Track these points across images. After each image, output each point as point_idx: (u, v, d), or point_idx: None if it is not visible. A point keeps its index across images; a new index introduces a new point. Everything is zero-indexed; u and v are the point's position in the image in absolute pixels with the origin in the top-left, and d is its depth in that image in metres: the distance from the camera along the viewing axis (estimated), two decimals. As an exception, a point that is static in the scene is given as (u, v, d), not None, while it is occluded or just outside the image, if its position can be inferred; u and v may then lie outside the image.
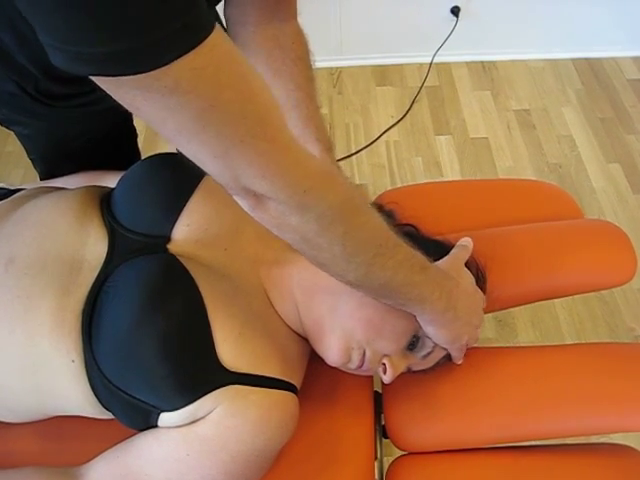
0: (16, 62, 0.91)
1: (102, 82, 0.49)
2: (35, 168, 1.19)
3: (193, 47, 0.47)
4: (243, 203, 0.63)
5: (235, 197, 0.62)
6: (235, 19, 0.94)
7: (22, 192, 0.97)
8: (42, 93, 0.96)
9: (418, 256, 0.77)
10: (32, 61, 0.91)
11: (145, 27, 0.45)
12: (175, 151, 0.73)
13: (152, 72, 0.47)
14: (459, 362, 0.92)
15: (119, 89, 0.50)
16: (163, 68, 0.47)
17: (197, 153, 0.56)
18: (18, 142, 1.14)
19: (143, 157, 1.02)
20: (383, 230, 0.72)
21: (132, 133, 1.26)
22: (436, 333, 0.84)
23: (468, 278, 0.90)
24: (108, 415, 0.84)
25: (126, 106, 0.51)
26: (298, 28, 0.97)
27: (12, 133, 1.11)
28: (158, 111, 0.51)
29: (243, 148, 0.55)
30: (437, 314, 0.82)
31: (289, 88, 0.94)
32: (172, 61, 0.47)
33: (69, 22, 0.44)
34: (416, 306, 0.80)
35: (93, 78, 0.49)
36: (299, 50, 0.95)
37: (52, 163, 1.15)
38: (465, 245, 0.94)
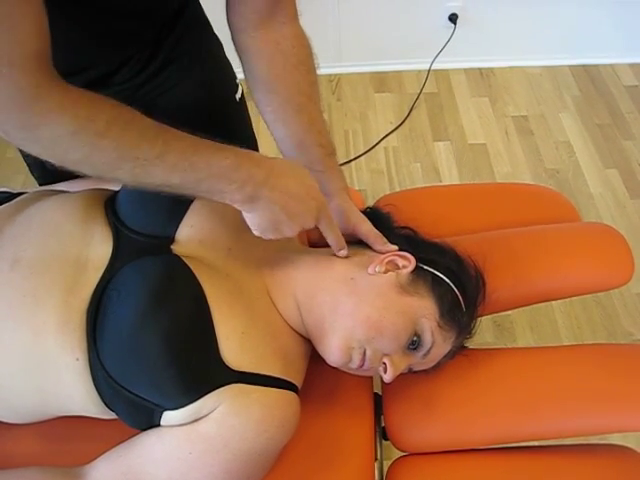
0: None
1: None
2: (32, 174, 1.19)
3: None
4: None
5: None
6: (236, 26, 0.95)
7: (25, 195, 0.98)
8: None
9: (202, 154, 0.75)
10: None
11: None
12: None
13: None
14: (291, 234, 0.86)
15: None
16: None
17: None
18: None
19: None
20: (138, 145, 0.71)
21: None
22: (250, 219, 0.82)
23: (301, 176, 0.84)
24: (111, 415, 0.85)
25: None
26: (299, 31, 0.97)
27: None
28: None
29: None
30: (238, 204, 0.79)
31: (291, 93, 0.95)
32: None
33: None
34: (213, 197, 0.79)
35: None
36: (300, 54, 0.96)
37: (48, 168, 1.16)
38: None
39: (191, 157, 0.74)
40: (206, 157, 0.75)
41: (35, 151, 0.69)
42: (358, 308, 0.85)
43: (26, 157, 1.15)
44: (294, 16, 0.96)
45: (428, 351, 0.88)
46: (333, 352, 0.86)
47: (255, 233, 0.84)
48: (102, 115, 0.69)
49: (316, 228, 0.88)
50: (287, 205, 0.81)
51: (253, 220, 0.82)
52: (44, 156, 0.70)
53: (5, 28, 0.60)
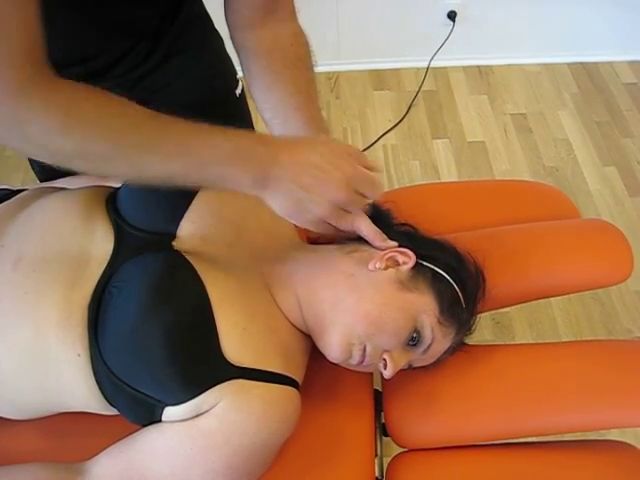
0: None
1: None
2: (33, 170, 1.19)
3: None
4: None
5: None
6: (235, 24, 0.95)
7: (26, 192, 0.98)
8: None
9: (205, 136, 0.74)
10: None
11: None
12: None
13: None
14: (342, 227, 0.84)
15: None
16: None
17: None
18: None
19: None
20: (134, 132, 0.70)
21: None
22: (272, 203, 0.78)
23: (323, 148, 0.80)
24: (112, 411, 0.85)
25: None
26: (297, 28, 0.97)
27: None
28: None
29: None
30: (247, 188, 0.76)
31: (289, 91, 0.95)
32: None
33: None
34: (218, 183, 0.77)
35: None
36: (299, 51, 0.96)
37: (49, 164, 1.16)
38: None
39: (190, 140, 0.73)
40: (206, 140, 0.74)
41: (27, 150, 0.69)
42: (358, 304, 0.86)
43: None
44: (292, 13, 0.96)
45: (428, 347, 0.88)
46: (333, 348, 0.86)
47: (286, 219, 0.80)
48: (92, 104, 0.69)
49: None
50: (303, 180, 0.77)
51: (274, 205, 0.78)
52: (37, 155, 0.70)
53: None
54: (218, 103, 1.19)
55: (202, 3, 1.13)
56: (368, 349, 0.85)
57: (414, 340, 0.87)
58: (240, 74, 1.20)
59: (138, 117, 0.71)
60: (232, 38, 0.96)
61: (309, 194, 0.77)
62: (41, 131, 0.66)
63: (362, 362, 0.86)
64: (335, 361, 0.87)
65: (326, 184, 0.78)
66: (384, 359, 0.86)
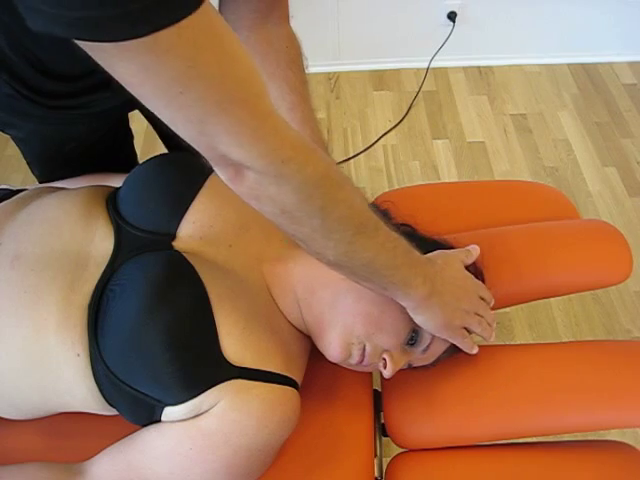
0: (5, 58, 0.91)
1: (80, 42, 0.48)
2: (32, 172, 1.20)
3: (177, 20, 0.47)
4: (221, 173, 0.62)
5: (214, 167, 0.62)
6: (231, 25, 0.95)
7: (25, 192, 0.98)
8: (35, 91, 0.96)
9: (401, 240, 0.77)
10: (20, 56, 0.90)
11: None
12: (179, 150, 0.75)
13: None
14: (472, 352, 0.91)
15: (96, 48, 0.49)
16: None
17: (174, 119, 0.55)
18: (17, 146, 1.15)
19: (140, 159, 1.03)
20: (364, 210, 0.71)
21: (128, 135, 1.27)
22: (424, 320, 0.83)
23: (456, 265, 0.90)
24: (112, 411, 0.85)
25: (103, 65, 0.51)
26: (291, 31, 0.98)
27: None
28: (135, 72, 0.50)
29: (220, 114, 0.54)
30: (421, 299, 0.80)
31: (284, 91, 0.95)
32: (154, 32, 0.46)
33: None
34: (399, 290, 0.79)
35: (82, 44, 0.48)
36: (292, 53, 0.97)
37: (48, 166, 1.16)
38: (468, 249, 0.95)
39: (394, 239, 0.75)
40: (403, 243, 0.77)
41: (266, 193, 0.62)
42: (358, 304, 0.86)
43: (26, 155, 1.15)
44: (286, 18, 0.98)
45: (427, 347, 0.89)
46: (333, 348, 0.86)
47: (433, 333, 0.87)
48: (335, 165, 0.68)
49: None
50: (456, 292, 0.86)
51: (431, 318, 0.83)
52: (273, 202, 0.63)
53: (235, 54, 0.56)
54: None
55: None
56: (368, 349, 0.85)
57: (413, 340, 0.87)
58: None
59: (363, 197, 0.73)
60: None
61: (458, 303, 0.86)
62: (299, 178, 0.62)
63: (362, 362, 0.87)
64: (335, 361, 0.88)
65: (469, 293, 0.89)
66: (384, 359, 0.86)
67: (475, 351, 0.91)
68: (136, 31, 0.46)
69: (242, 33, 0.94)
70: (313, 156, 0.64)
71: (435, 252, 0.91)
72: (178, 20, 0.47)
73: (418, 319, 0.83)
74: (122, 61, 0.49)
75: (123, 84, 0.52)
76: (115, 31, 0.46)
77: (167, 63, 0.49)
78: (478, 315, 0.89)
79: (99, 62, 0.50)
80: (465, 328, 0.89)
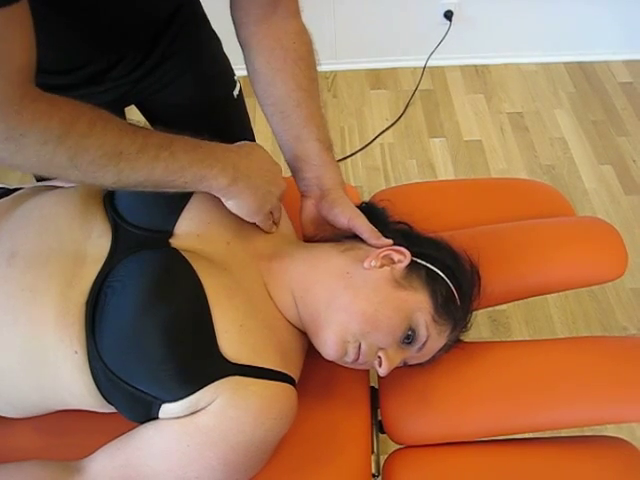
0: None
1: None
2: None
3: None
4: None
5: None
6: (239, 21, 0.96)
7: (22, 190, 0.99)
8: None
9: (182, 140, 0.80)
10: None
11: None
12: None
13: None
14: (271, 230, 0.96)
15: None
16: None
17: None
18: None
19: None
20: (120, 139, 0.74)
21: None
22: (237, 205, 0.87)
23: (262, 151, 0.93)
24: (110, 408, 0.85)
25: None
26: (301, 27, 0.98)
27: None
28: None
29: None
30: (226, 186, 0.84)
31: (290, 88, 0.95)
32: None
33: None
34: (199, 186, 0.82)
35: None
36: (301, 50, 0.97)
37: None
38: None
39: (170, 147, 0.78)
40: (183, 146, 0.80)
41: (17, 161, 0.71)
42: (353, 302, 0.86)
43: None
44: (296, 12, 0.97)
45: (423, 345, 0.89)
46: (328, 346, 0.86)
47: (246, 219, 0.90)
48: (84, 117, 0.72)
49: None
50: (265, 176, 0.89)
51: (242, 203, 0.87)
52: (26, 166, 0.72)
53: None
54: (216, 104, 1.20)
55: (200, 5, 1.13)
56: (363, 347, 0.86)
57: (409, 338, 0.87)
58: (238, 74, 1.21)
59: (124, 126, 0.76)
60: (237, 35, 0.97)
61: (269, 186, 0.90)
62: (39, 142, 0.68)
63: (357, 360, 0.87)
64: (330, 359, 0.88)
65: (277, 177, 0.93)
66: (379, 357, 0.86)
67: (274, 229, 0.97)
68: None
69: (251, 30, 0.94)
70: (50, 122, 0.69)
71: (239, 143, 0.93)
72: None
73: (229, 205, 0.88)
74: None
75: None
76: None
77: None
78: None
79: None
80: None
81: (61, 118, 0.69)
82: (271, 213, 0.94)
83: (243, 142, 0.93)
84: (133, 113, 1.16)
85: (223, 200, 0.87)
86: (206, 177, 0.81)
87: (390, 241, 0.92)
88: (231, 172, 0.83)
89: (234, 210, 0.88)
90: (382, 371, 0.87)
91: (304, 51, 0.97)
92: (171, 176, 0.78)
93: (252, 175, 0.86)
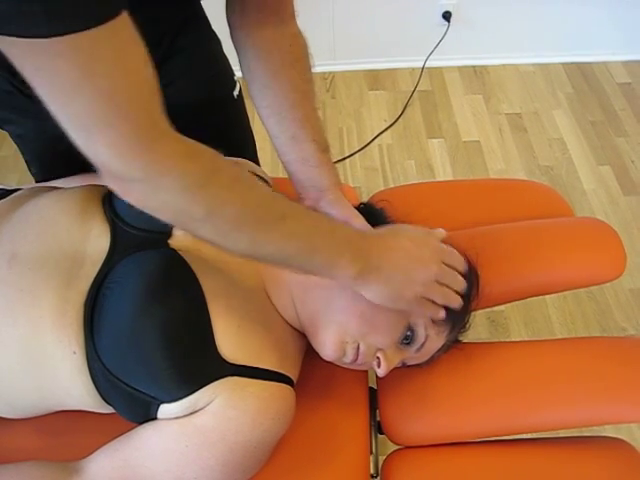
0: (3, 56, 0.92)
1: None
2: (30, 170, 1.20)
3: (72, 32, 0.49)
4: (112, 185, 0.64)
5: (105, 179, 0.64)
6: (235, 24, 0.96)
7: (21, 192, 0.99)
8: (30, 87, 0.97)
9: (321, 221, 0.77)
10: None
11: None
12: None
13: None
14: (439, 315, 0.86)
15: (5, 43, 0.51)
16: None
17: (66, 124, 0.57)
18: (14, 146, 1.14)
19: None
20: (261, 204, 0.71)
21: None
22: (370, 295, 0.81)
23: (409, 233, 0.87)
24: (108, 409, 0.85)
25: (14, 62, 0.52)
26: (297, 30, 0.98)
27: (7, 137, 1.11)
28: (32, 71, 0.52)
29: (105, 126, 0.56)
30: (352, 279, 0.78)
31: (286, 89, 0.95)
32: (47, 37, 0.48)
33: None
34: (324, 273, 0.78)
35: None
36: (297, 52, 0.97)
37: (47, 163, 1.16)
38: (431, 230, 0.92)
39: (307, 221, 0.75)
40: (320, 225, 0.77)
41: (152, 204, 0.66)
42: (352, 303, 0.86)
43: (24, 152, 1.15)
44: (292, 16, 0.97)
45: (421, 346, 0.89)
46: (327, 346, 0.86)
47: (388, 305, 0.83)
48: (227, 169, 0.68)
49: None
50: (400, 263, 0.81)
51: (374, 295, 0.81)
52: (161, 211, 0.67)
53: (131, 72, 0.57)
54: (216, 104, 1.20)
55: (200, 5, 1.13)
56: (361, 348, 0.86)
57: (408, 339, 0.87)
58: (238, 75, 1.21)
59: (266, 189, 0.72)
60: (232, 37, 0.97)
61: (407, 275, 0.81)
62: (179, 187, 0.63)
63: (356, 360, 0.87)
64: (329, 359, 0.88)
65: (426, 262, 0.83)
66: (378, 357, 0.87)
67: (442, 315, 0.86)
68: (35, 30, 0.48)
69: (247, 33, 0.94)
70: (192, 166, 0.64)
71: (385, 226, 0.89)
72: (75, 31, 0.49)
73: (367, 295, 0.81)
74: (19, 59, 0.51)
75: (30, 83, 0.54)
76: (19, 26, 0.48)
77: (60, 68, 0.51)
78: (441, 284, 0.85)
79: (11, 59, 0.52)
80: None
81: (203, 164, 0.65)
82: (428, 299, 0.85)
83: (396, 226, 0.89)
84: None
85: (357, 290, 0.81)
86: (334, 265, 0.76)
87: None
88: (360, 264, 0.77)
89: (369, 299, 0.81)
90: (381, 372, 0.87)
91: (300, 53, 0.97)
92: (302, 256, 0.74)
93: (384, 267, 0.80)
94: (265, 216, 0.71)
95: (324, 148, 0.98)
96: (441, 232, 0.92)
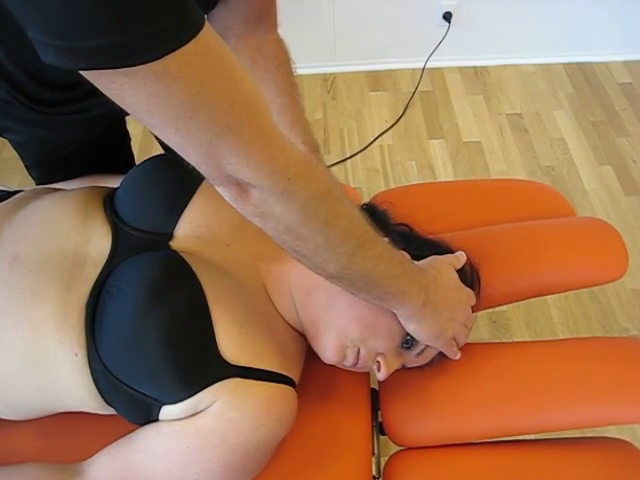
0: (4, 68, 0.91)
1: (88, 73, 0.49)
2: (30, 174, 1.20)
3: (185, 42, 0.48)
4: (225, 193, 0.63)
5: (218, 187, 0.63)
6: (219, 32, 0.96)
7: (22, 193, 0.99)
8: (33, 100, 0.97)
9: (395, 250, 0.79)
10: (19, 68, 0.91)
11: (137, 22, 0.45)
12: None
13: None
14: (455, 357, 0.91)
15: (104, 78, 0.50)
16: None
17: (183, 144, 0.56)
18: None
19: (137, 161, 1.03)
20: (362, 222, 0.72)
21: (126, 137, 1.27)
22: (417, 329, 0.84)
23: (449, 275, 0.90)
24: (110, 410, 0.85)
25: (110, 96, 0.51)
26: (279, 37, 1.00)
27: (8, 139, 1.11)
28: (145, 100, 0.51)
29: (229, 135, 0.56)
30: (416, 308, 0.81)
31: (274, 94, 0.96)
32: (164, 55, 0.47)
33: (60, 15, 0.44)
34: (395, 300, 0.79)
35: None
36: (281, 58, 0.98)
37: (47, 169, 1.16)
38: (456, 255, 0.94)
39: (390, 249, 0.77)
40: (398, 253, 0.79)
41: (271, 211, 0.63)
42: (353, 307, 0.86)
43: (24, 158, 1.15)
44: (275, 25, 0.99)
45: (422, 350, 0.89)
46: (328, 350, 0.86)
47: (424, 342, 0.87)
48: (337, 184, 0.69)
49: None
50: (450, 303, 0.86)
51: (424, 328, 0.84)
52: (276, 219, 0.64)
53: (239, 77, 0.57)
54: None
55: None
56: (362, 352, 0.86)
57: (408, 343, 0.87)
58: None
59: (361, 215, 0.72)
60: None
61: (451, 314, 0.86)
62: (302, 195, 0.63)
63: (356, 364, 0.87)
64: (329, 362, 0.88)
65: (463, 304, 0.90)
66: (378, 362, 0.87)
67: (458, 356, 0.91)
68: (147, 56, 0.47)
69: (231, 41, 0.95)
70: (316, 172, 0.65)
71: (426, 259, 0.91)
72: (185, 42, 0.48)
73: (410, 328, 0.84)
74: (132, 89, 0.50)
75: (132, 114, 0.53)
76: (126, 57, 0.47)
77: (177, 90, 0.50)
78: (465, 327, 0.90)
79: (107, 93, 0.51)
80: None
81: (323, 172, 0.66)
82: (454, 339, 0.89)
83: (429, 260, 0.90)
84: (133, 121, 1.16)
85: (403, 323, 0.84)
86: (406, 293, 0.78)
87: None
88: (424, 295, 0.80)
89: (412, 333, 0.85)
90: (380, 376, 0.87)
91: (284, 59, 0.99)
92: (385, 280, 0.76)
93: (438, 301, 0.83)
94: (365, 234, 0.72)
95: (314, 149, 0.99)
96: (463, 255, 0.95)
